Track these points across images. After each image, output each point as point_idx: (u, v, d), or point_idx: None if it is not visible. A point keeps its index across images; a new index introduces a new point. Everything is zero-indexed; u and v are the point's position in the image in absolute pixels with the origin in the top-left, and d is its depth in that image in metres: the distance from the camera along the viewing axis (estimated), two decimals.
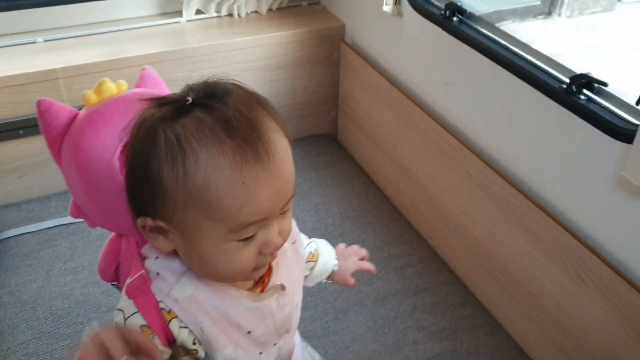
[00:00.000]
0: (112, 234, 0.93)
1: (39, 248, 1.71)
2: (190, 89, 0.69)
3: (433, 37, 1.58)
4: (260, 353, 0.80)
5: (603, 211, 1.19)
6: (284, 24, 2.06)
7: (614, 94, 1.17)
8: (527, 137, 1.35)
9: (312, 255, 0.98)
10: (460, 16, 1.51)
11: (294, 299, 0.83)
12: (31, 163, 1.84)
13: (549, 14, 4.06)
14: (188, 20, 2.03)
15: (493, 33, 1.43)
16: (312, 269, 0.98)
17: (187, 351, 0.74)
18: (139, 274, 0.74)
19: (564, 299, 1.29)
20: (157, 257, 0.75)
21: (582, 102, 1.19)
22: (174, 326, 0.72)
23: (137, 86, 0.92)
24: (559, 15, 3.98)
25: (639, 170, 1.05)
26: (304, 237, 0.96)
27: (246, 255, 0.69)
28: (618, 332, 1.16)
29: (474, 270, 1.58)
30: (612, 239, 1.18)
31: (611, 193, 1.15)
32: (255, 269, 0.72)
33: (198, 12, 2.05)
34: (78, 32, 1.92)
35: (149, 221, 0.69)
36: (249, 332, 0.77)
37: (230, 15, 2.08)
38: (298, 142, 2.22)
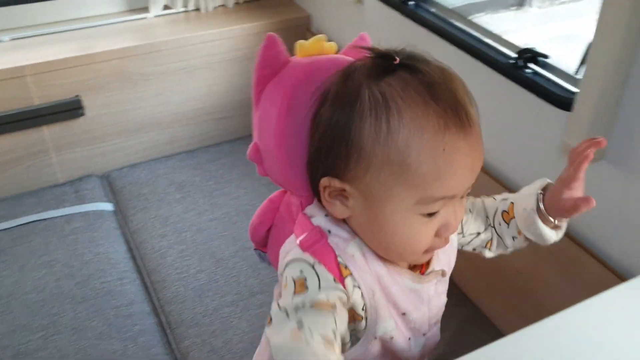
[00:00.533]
0: (274, 194, 0.89)
1: (13, 244, 1.73)
2: (393, 51, 0.67)
3: (392, 21, 1.62)
4: (409, 339, 0.77)
5: (552, 177, 1.23)
6: (251, 16, 2.09)
7: (556, 65, 1.21)
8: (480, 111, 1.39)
9: (506, 214, 0.84)
10: (415, 0, 1.55)
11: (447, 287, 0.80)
12: (3, 161, 1.86)
13: (520, 5, 4.13)
14: (155, 16, 2.06)
15: (446, 15, 1.47)
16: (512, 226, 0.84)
17: (353, 317, 0.70)
18: (312, 229, 0.70)
19: (523, 267, 1.33)
20: (326, 215, 0.72)
21: (528, 75, 1.23)
22: (349, 284, 0.68)
23: (347, 52, 0.82)
24: (530, 6, 4.06)
25: (579, 136, 1.09)
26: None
27: (426, 232, 0.67)
28: (569, 291, 1.21)
29: None
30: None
31: (557, 159, 1.19)
32: (428, 250, 0.70)
33: (165, 7, 2.08)
34: (45, 29, 1.94)
35: (336, 182, 0.67)
36: (404, 314, 0.74)
37: (198, 9, 2.11)
38: None
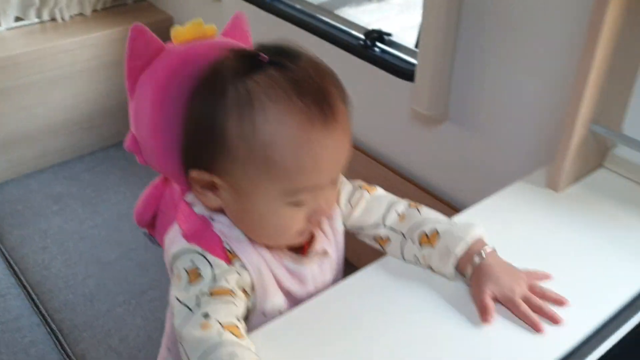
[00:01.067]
0: (157, 180, 0.90)
1: None
2: (262, 47, 0.68)
3: (251, 16, 1.70)
4: None
5: (407, 141, 1.39)
6: (111, 22, 2.09)
7: (400, 43, 1.36)
8: None
9: (427, 238, 0.78)
10: None
11: (336, 266, 0.82)
12: None
13: None
14: (8, 29, 2.00)
15: (301, 5, 1.58)
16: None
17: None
18: (196, 219, 0.72)
19: None
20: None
21: (376, 53, 1.37)
22: (237, 267, 0.70)
23: (226, 32, 0.85)
24: None
25: (422, 102, 1.24)
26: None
27: (295, 219, 0.69)
28: None
29: None
30: (414, 162, 1.39)
31: (408, 124, 1.34)
32: (300, 234, 0.72)
33: (18, 19, 2.02)
34: None
35: (205, 175, 0.68)
36: (288, 293, 0.75)
37: (54, 19, 2.07)
38: None
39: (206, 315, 0.62)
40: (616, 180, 1.01)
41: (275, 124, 0.63)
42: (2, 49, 1.91)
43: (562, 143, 0.94)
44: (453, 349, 0.71)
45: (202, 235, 0.71)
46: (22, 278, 1.64)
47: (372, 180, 0.90)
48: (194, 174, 0.70)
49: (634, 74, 0.95)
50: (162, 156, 0.78)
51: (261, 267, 0.72)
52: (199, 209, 0.73)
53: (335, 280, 0.82)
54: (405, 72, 1.30)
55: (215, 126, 0.65)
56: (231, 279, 0.67)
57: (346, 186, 0.83)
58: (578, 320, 0.74)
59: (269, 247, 0.73)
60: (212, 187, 0.70)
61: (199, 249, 0.69)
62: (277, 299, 0.74)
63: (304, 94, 0.64)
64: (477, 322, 0.73)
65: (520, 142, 1.18)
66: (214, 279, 0.66)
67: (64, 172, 2.05)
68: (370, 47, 1.39)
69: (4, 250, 1.73)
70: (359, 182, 0.85)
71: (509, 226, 0.91)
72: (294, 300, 0.76)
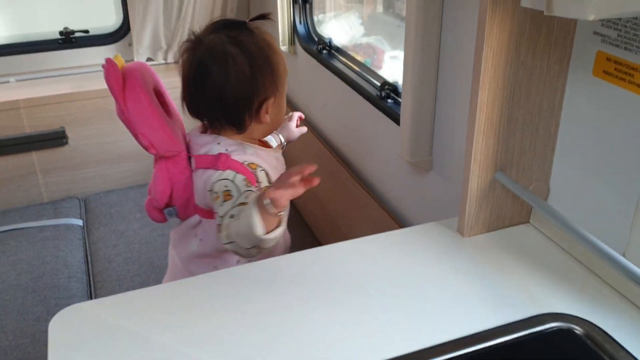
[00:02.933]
0: (159, 164, 1.14)
1: None
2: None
3: (312, 66, 1.90)
4: None
5: (401, 182, 1.44)
6: None
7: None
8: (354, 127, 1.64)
9: None
10: (327, 49, 1.83)
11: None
12: None
13: None
14: None
15: (342, 59, 1.74)
16: None
17: None
18: (217, 156, 1.06)
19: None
20: (219, 143, 1.09)
21: (388, 104, 1.46)
22: (258, 172, 1.07)
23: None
24: None
25: (406, 147, 1.30)
26: None
27: None
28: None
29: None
30: (407, 205, 1.43)
31: (402, 167, 1.40)
32: None
33: (149, 59, 2.44)
34: (45, 74, 2.33)
35: (272, 100, 1.09)
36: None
37: (177, 62, 2.46)
38: None
39: (238, 213, 0.96)
40: (536, 237, 0.98)
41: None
42: None
43: (463, 186, 0.96)
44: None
45: (229, 164, 1.05)
46: (89, 267, 1.95)
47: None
48: (267, 103, 1.08)
49: (547, 126, 0.94)
50: (167, 135, 1.10)
51: (268, 167, 1.09)
52: (214, 150, 1.08)
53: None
54: (395, 115, 1.38)
55: (270, 63, 1.07)
56: (250, 195, 1.00)
57: None
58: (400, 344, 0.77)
59: (261, 150, 1.13)
60: (267, 110, 1.09)
61: (231, 174, 1.04)
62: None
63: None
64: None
65: None
66: (239, 196, 1.01)
67: None
68: (384, 98, 1.48)
69: (87, 242, 2.07)
70: None
71: (394, 256, 0.95)
72: None
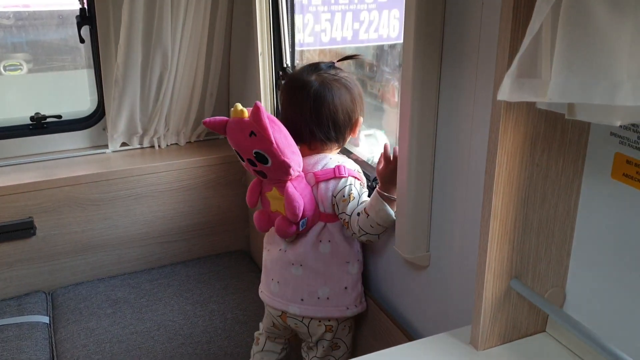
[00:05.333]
0: (286, 186, 1.34)
1: None
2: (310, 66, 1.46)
3: None
4: None
5: (396, 282, 1.36)
6: (199, 152, 2.36)
7: None
8: None
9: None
10: None
11: None
12: None
13: None
14: (114, 151, 2.35)
15: None
16: None
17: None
18: (337, 167, 1.39)
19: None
20: (330, 158, 1.42)
21: None
22: (362, 176, 1.43)
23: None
24: None
25: (403, 243, 1.23)
26: None
27: None
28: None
29: None
30: (407, 304, 1.34)
31: (396, 264, 1.33)
32: None
33: (123, 144, 2.37)
34: (14, 160, 2.23)
35: (361, 119, 1.45)
36: None
37: (152, 147, 2.39)
38: (212, 258, 2.42)
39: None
40: (553, 348, 0.91)
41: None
42: (103, 167, 2.22)
43: (476, 295, 0.88)
44: None
45: (348, 172, 1.40)
46: None
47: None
48: (359, 120, 1.45)
49: (562, 230, 0.88)
50: (294, 152, 1.35)
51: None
52: (331, 164, 1.42)
53: None
54: None
55: (358, 94, 1.44)
56: (364, 192, 1.42)
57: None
58: None
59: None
60: (359, 126, 1.46)
61: (351, 180, 1.40)
62: None
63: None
64: None
65: None
66: (360, 194, 1.40)
67: (131, 280, 2.24)
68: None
69: (53, 341, 1.91)
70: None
71: None
72: None
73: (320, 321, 1.45)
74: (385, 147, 1.31)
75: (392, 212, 1.26)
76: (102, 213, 2.21)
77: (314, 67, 1.43)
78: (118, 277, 2.27)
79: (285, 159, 1.29)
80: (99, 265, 2.26)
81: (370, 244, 1.44)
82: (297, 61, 2.02)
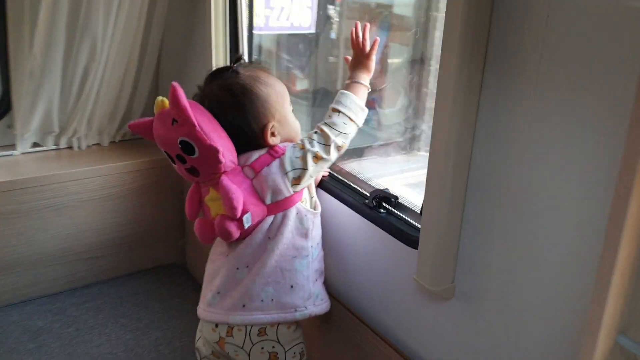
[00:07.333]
0: (221, 181, 1.20)
1: None
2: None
3: None
4: None
5: (409, 316, 1.23)
6: (125, 155, 2.07)
7: (406, 205, 1.25)
8: (346, 247, 1.40)
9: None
10: None
11: None
12: None
13: (410, 149, 4.48)
14: (23, 153, 1.99)
15: None
16: None
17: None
18: (267, 151, 1.27)
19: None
20: (261, 151, 1.28)
21: (381, 215, 1.26)
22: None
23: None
24: (418, 150, 4.39)
25: (426, 273, 1.10)
26: None
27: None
28: None
29: None
30: (418, 341, 1.21)
31: (414, 297, 1.19)
32: None
33: (35, 145, 2.02)
34: None
35: (275, 125, 1.28)
36: None
37: (70, 147, 2.07)
38: (143, 274, 2.15)
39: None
40: None
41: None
42: (12, 173, 1.88)
43: (582, 354, 0.77)
44: None
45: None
46: None
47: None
48: (270, 128, 1.27)
49: None
50: (227, 147, 1.23)
51: None
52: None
53: None
54: (410, 239, 1.17)
55: (260, 98, 1.26)
56: None
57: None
58: None
59: None
60: (273, 133, 1.28)
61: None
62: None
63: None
64: None
65: (531, 340, 1.00)
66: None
67: (51, 304, 1.93)
68: (375, 208, 1.28)
69: None
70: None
71: None
72: None
73: (263, 348, 1.26)
74: (355, 25, 1.29)
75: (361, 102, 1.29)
76: (15, 227, 1.87)
77: (211, 77, 1.30)
78: (34, 301, 1.94)
79: (212, 143, 1.17)
80: (10, 289, 1.92)
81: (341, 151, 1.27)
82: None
